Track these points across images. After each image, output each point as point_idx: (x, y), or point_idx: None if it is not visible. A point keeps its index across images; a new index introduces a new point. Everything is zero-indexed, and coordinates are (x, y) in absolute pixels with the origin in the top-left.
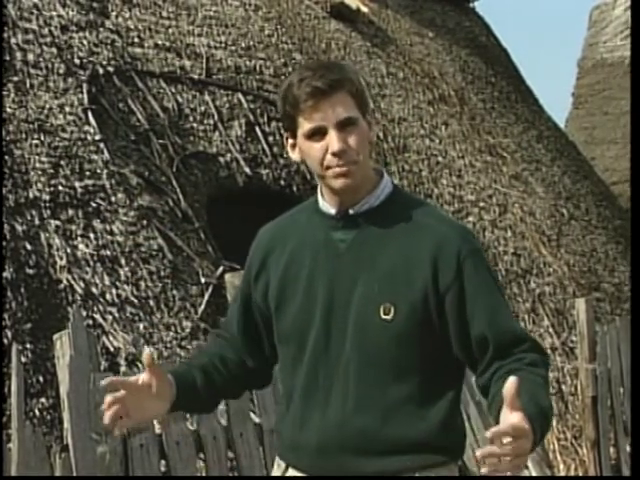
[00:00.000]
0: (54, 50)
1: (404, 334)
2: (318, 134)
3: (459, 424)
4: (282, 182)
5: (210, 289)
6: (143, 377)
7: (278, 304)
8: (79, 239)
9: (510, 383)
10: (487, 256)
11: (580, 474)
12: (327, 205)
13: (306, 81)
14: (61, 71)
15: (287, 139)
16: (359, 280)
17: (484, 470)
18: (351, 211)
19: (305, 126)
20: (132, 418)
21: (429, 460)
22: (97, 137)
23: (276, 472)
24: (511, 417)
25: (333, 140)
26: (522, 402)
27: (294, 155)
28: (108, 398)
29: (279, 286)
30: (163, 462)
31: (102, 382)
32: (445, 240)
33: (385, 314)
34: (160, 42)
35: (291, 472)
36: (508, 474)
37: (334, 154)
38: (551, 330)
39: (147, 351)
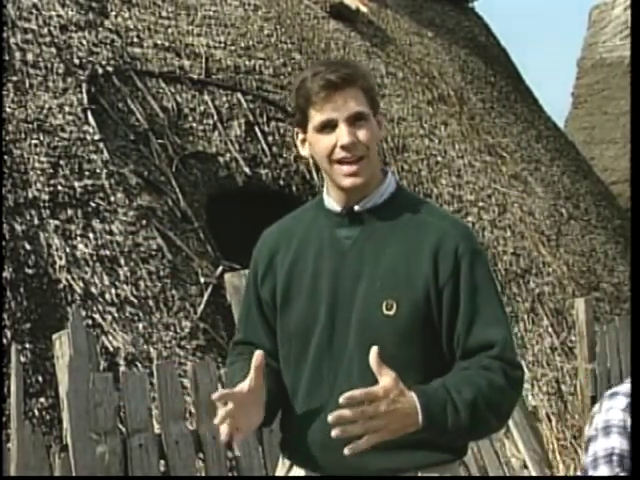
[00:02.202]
0: (53, 50)
1: (406, 330)
2: (328, 127)
3: None
4: (281, 182)
5: (209, 289)
6: (248, 384)
7: (283, 302)
8: (78, 239)
9: (372, 351)
10: (487, 256)
11: (580, 474)
12: (332, 202)
13: (320, 75)
14: (60, 71)
15: (297, 134)
16: (362, 276)
17: (333, 433)
18: (356, 208)
19: (316, 118)
20: (242, 430)
21: (432, 458)
22: (96, 137)
23: (280, 471)
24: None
25: (343, 133)
26: (431, 383)
27: (304, 150)
28: (221, 413)
29: (284, 284)
30: (162, 462)
31: (213, 396)
32: (445, 237)
33: (387, 310)
34: (159, 42)
35: (295, 470)
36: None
37: (343, 147)
38: (550, 330)
39: (259, 352)
